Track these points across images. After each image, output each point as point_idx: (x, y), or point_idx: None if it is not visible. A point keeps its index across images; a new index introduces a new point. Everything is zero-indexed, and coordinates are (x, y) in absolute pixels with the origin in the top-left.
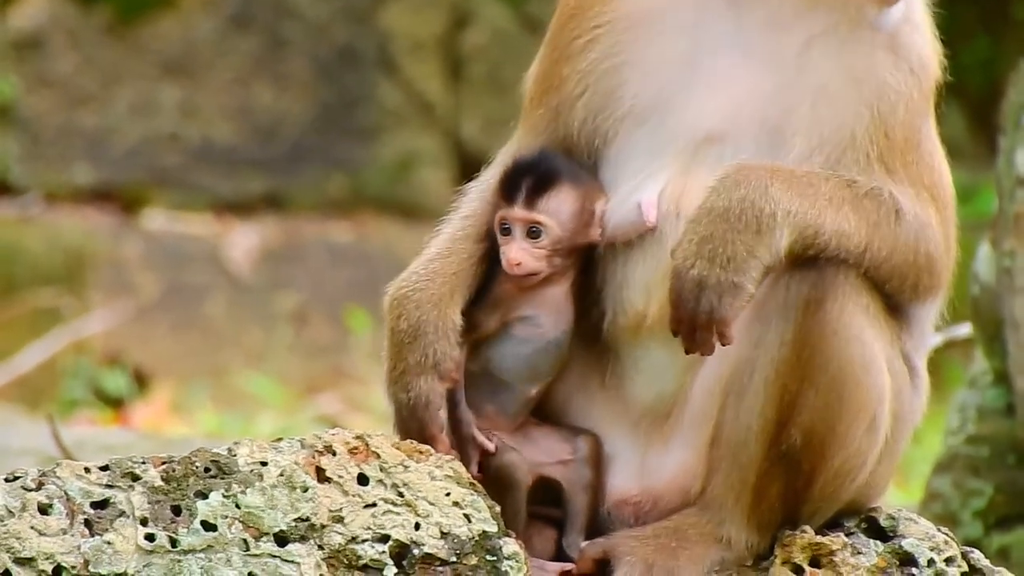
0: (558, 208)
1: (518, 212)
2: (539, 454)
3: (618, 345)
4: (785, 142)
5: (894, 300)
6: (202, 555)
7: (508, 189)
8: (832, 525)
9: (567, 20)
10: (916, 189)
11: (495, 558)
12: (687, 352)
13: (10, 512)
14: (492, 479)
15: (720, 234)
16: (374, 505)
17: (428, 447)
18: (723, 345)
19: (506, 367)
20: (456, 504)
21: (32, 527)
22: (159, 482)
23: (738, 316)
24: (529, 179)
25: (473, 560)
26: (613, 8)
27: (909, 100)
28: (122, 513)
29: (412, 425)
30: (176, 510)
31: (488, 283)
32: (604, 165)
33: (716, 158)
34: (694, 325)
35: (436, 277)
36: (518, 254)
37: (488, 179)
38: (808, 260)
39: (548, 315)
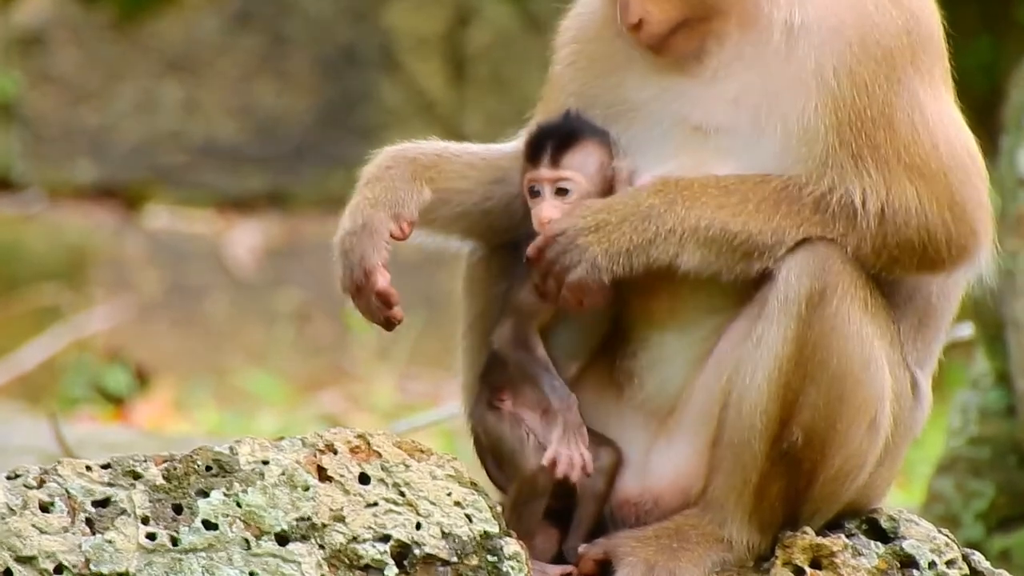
0: (583, 163)
1: (544, 172)
2: (586, 452)
3: (626, 336)
4: (763, 135)
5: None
6: (203, 554)
7: (533, 151)
8: (833, 526)
9: (560, 27)
10: (887, 171)
11: (496, 558)
12: (536, 291)
13: (11, 510)
14: (526, 482)
15: (618, 222)
16: (375, 504)
17: (429, 447)
18: (575, 304)
19: (557, 343)
20: (457, 504)
21: (33, 525)
22: (160, 480)
23: (584, 289)
24: (553, 139)
25: (474, 560)
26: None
27: (873, 79)
28: (123, 511)
29: (352, 257)
30: (177, 508)
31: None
32: None
33: (709, 148)
34: (548, 270)
35: (421, 158)
36: (549, 211)
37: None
38: (809, 255)
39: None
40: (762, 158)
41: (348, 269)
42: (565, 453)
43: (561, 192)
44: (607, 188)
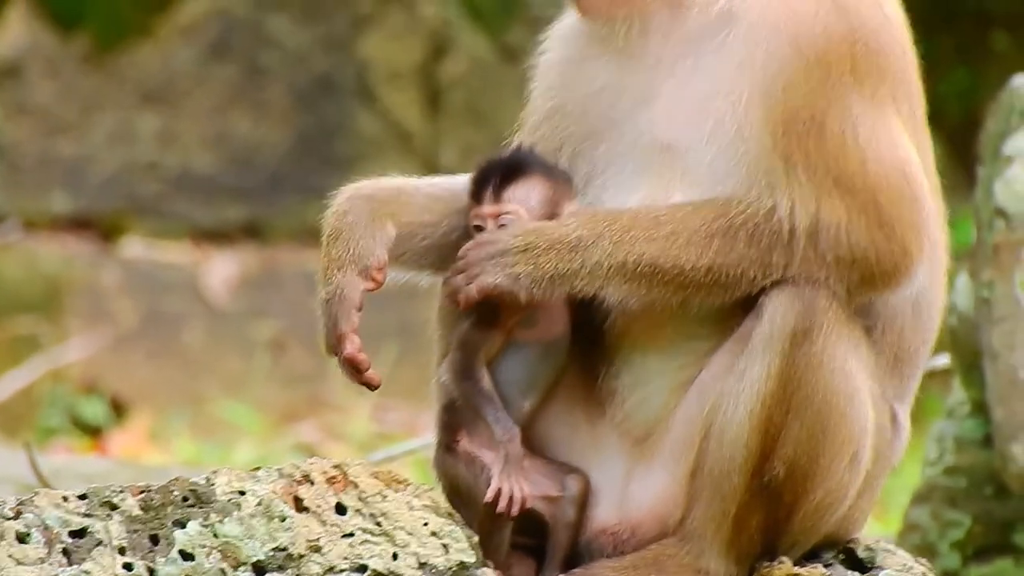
0: (526, 196)
1: (487, 208)
2: (525, 486)
3: (607, 356)
4: (700, 149)
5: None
6: None
7: (478, 187)
8: (810, 556)
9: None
10: (816, 182)
11: None
12: (444, 285)
13: None
14: (485, 517)
15: (545, 247)
16: (352, 535)
17: (406, 478)
18: (458, 307)
19: (507, 378)
20: (434, 534)
21: (10, 556)
22: (137, 511)
23: (493, 295)
24: (496, 174)
25: None
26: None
27: (805, 81)
28: (100, 542)
29: (327, 325)
30: (154, 539)
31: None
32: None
33: (671, 166)
34: (465, 269)
35: (379, 194)
36: None
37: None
38: (792, 291)
39: (544, 314)
40: (702, 162)
41: (325, 336)
42: (505, 487)
43: (503, 227)
44: (555, 215)
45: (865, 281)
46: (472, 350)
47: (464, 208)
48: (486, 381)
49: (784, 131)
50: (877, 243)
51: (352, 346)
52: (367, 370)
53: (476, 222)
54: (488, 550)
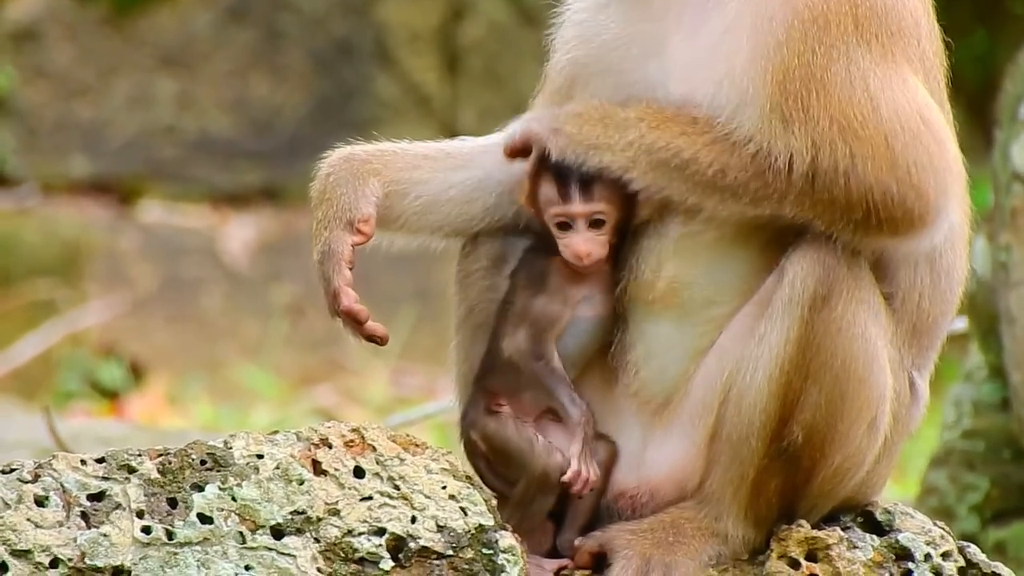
0: (613, 194)
1: (578, 207)
2: (595, 467)
3: (627, 322)
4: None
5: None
6: (198, 548)
7: (560, 187)
8: (828, 519)
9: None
10: (816, 133)
11: (491, 551)
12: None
13: (6, 504)
14: (535, 482)
15: (597, 119)
16: (370, 498)
17: (424, 441)
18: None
19: (568, 352)
20: (452, 497)
21: (28, 519)
22: (155, 474)
23: (529, 142)
24: (575, 173)
25: (469, 553)
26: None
27: (803, 40)
28: (118, 505)
29: (324, 285)
30: (172, 503)
31: (540, 278)
32: None
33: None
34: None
35: (361, 154)
36: (586, 246)
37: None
38: (813, 256)
39: (601, 292)
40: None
41: (325, 297)
42: (584, 469)
43: (595, 224)
44: (634, 209)
45: (874, 226)
46: (543, 328)
47: (457, 165)
48: (557, 360)
49: (781, 88)
50: (886, 186)
51: (347, 299)
52: (366, 320)
53: (562, 219)
54: (525, 515)
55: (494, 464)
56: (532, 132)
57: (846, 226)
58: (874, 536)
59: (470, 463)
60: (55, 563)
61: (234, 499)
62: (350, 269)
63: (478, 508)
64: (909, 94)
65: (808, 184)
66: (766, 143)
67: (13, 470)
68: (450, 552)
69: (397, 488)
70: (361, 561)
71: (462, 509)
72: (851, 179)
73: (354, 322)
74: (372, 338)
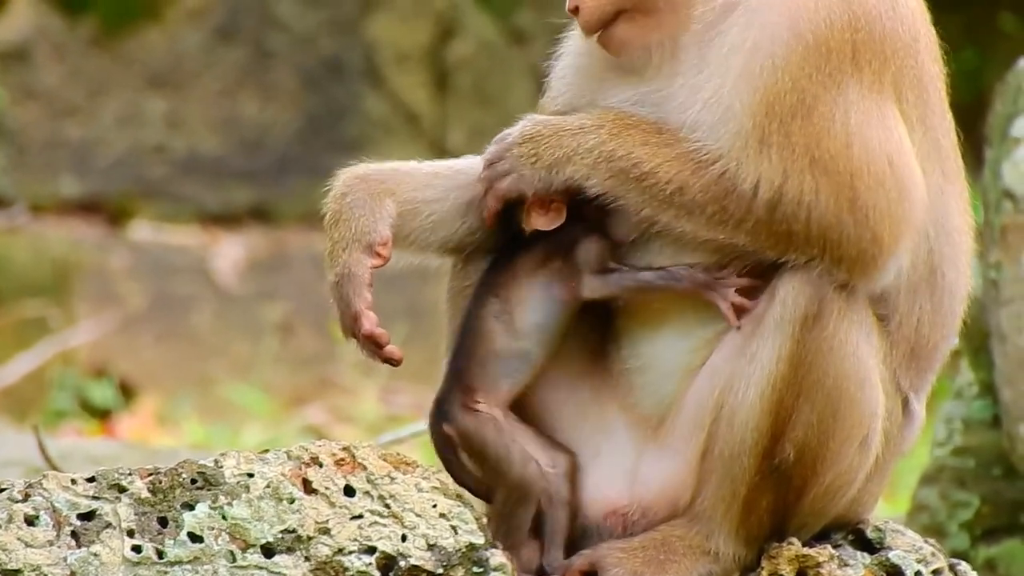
0: None
1: None
2: None
3: (621, 339)
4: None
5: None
6: (189, 567)
7: None
8: (819, 537)
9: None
10: (790, 162)
11: (482, 570)
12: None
13: None
14: (513, 487)
15: (549, 135)
16: (360, 517)
17: (414, 459)
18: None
19: (529, 321)
20: (443, 516)
21: (19, 538)
22: (145, 493)
23: (508, 198)
24: None
25: (460, 572)
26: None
27: (800, 67)
28: (108, 525)
29: (340, 307)
30: (163, 521)
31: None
32: None
33: None
34: (488, 177)
35: (376, 174)
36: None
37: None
38: (804, 275)
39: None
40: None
41: (340, 318)
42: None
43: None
44: None
45: (825, 263)
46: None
47: (464, 184)
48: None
49: (768, 110)
50: (844, 226)
51: (369, 323)
52: (387, 344)
53: None
54: (509, 528)
55: (468, 459)
56: (499, 192)
57: (796, 260)
58: (865, 554)
59: (437, 455)
60: None
61: (224, 518)
62: (369, 292)
63: (468, 526)
64: (884, 134)
65: (768, 213)
66: (734, 164)
67: (3, 489)
68: (440, 570)
69: (387, 506)
70: None
71: (452, 527)
72: (812, 214)
73: (374, 345)
74: (389, 360)
